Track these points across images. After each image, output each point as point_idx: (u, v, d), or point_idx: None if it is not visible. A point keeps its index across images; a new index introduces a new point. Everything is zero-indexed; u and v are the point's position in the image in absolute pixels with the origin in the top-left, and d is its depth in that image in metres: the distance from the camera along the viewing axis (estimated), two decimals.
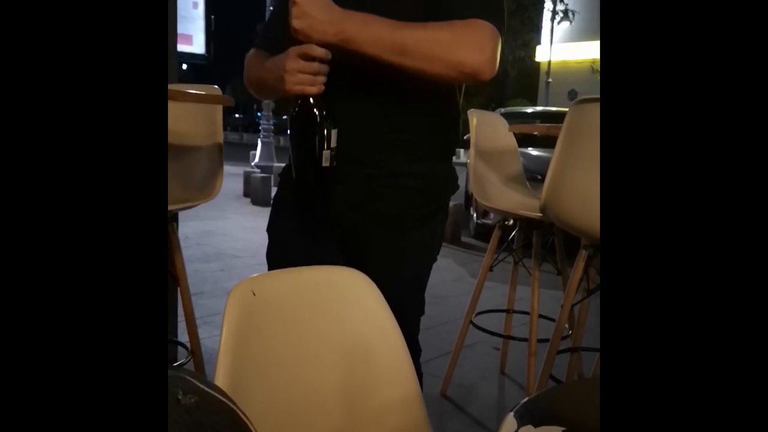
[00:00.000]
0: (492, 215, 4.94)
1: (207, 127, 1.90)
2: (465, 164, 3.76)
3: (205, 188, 1.85)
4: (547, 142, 4.23)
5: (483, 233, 5.16)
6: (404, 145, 1.11)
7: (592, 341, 2.25)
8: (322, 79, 0.98)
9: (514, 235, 2.23)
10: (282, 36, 1.04)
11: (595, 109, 1.50)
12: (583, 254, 1.71)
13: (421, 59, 0.96)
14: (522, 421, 0.57)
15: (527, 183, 2.32)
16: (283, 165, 1.26)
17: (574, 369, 2.12)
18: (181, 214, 2.29)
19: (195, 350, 1.89)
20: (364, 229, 1.14)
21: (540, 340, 2.01)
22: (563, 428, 0.56)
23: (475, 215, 5.50)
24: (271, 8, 1.28)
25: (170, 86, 1.75)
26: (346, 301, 0.90)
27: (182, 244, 1.90)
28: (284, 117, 1.22)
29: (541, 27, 20.38)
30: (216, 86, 1.92)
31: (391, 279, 0.99)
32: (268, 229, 1.22)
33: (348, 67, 0.99)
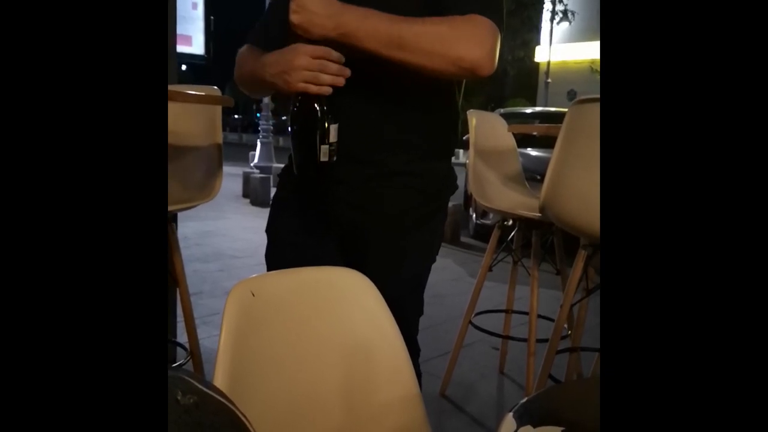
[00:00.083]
0: (491, 215, 4.94)
1: (206, 127, 1.90)
2: (464, 164, 3.77)
3: (204, 189, 1.85)
4: (546, 142, 4.23)
5: (482, 233, 5.16)
6: (404, 144, 1.11)
7: (592, 341, 2.26)
8: (322, 77, 0.98)
9: (513, 235, 2.23)
10: (280, 32, 1.04)
11: (594, 110, 1.50)
12: (582, 254, 1.71)
13: (421, 54, 0.96)
14: (521, 421, 0.57)
15: (526, 183, 2.32)
16: (282, 165, 1.26)
17: (573, 369, 2.12)
18: (181, 215, 2.29)
19: (194, 350, 1.89)
20: (364, 229, 1.14)
21: (539, 340, 2.01)
22: (562, 428, 0.56)
23: (474, 215, 5.50)
24: (268, 4, 1.26)
25: (170, 87, 1.75)
26: (346, 301, 0.90)
27: (181, 244, 1.90)
28: (283, 117, 1.21)
29: (541, 27, 20.38)
30: (215, 87, 1.92)
31: (391, 279, 0.99)
32: (267, 230, 1.22)
33: (347, 66, 0.99)
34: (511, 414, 0.58)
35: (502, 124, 2.31)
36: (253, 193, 7.11)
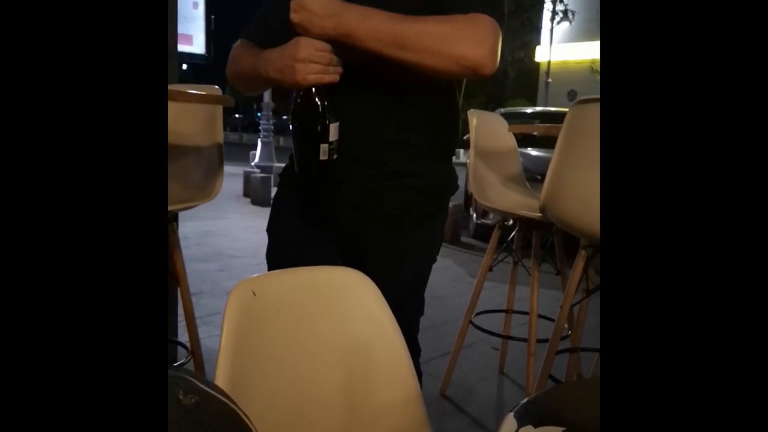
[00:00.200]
0: (491, 215, 4.94)
1: (207, 127, 1.90)
2: (464, 164, 3.77)
3: (205, 188, 1.85)
4: (546, 142, 4.23)
5: (482, 233, 5.16)
6: (405, 144, 1.11)
7: (592, 341, 2.26)
8: (334, 69, 0.98)
9: (513, 236, 2.23)
10: (280, 28, 1.03)
11: (594, 110, 1.50)
12: (582, 254, 1.71)
13: (422, 53, 0.95)
14: (522, 421, 0.57)
15: (527, 183, 2.32)
16: (283, 165, 1.26)
17: (573, 369, 2.12)
18: (181, 214, 2.29)
19: (195, 350, 1.89)
20: (365, 228, 1.14)
21: (539, 340, 2.01)
22: (563, 428, 0.56)
23: (474, 215, 5.50)
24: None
25: (170, 86, 1.75)
26: (346, 301, 0.90)
27: (182, 243, 1.90)
28: (284, 117, 1.21)
29: (541, 27, 20.39)
30: (216, 86, 1.92)
31: (391, 279, 0.99)
32: (268, 229, 1.22)
33: (348, 65, 0.99)
34: (512, 414, 0.59)
35: (503, 124, 2.31)
36: (253, 192, 7.11)
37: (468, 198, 5.89)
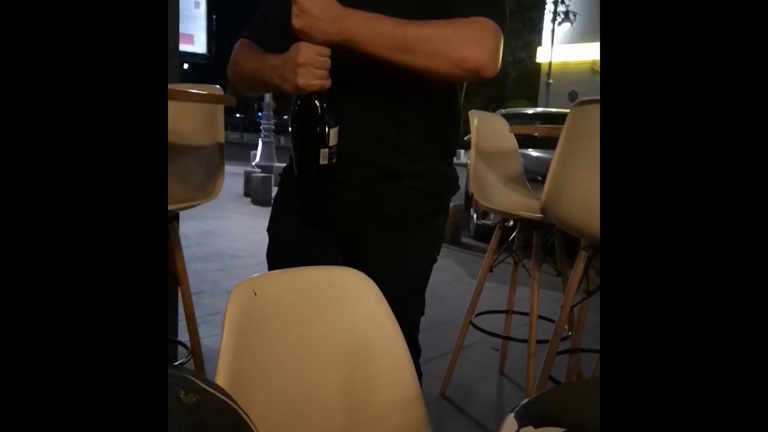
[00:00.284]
0: (492, 216, 4.94)
1: (208, 126, 1.90)
2: (465, 165, 3.77)
3: (205, 188, 1.85)
4: (547, 143, 4.23)
5: (483, 234, 5.16)
6: (405, 145, 1.11)
7: (592, 342, 2.26)
8: (327, 74, 0.99)
9: (514, 236, 2.23)
10: (280, 27, 1.03)
11: (595, 111, 1.50)
12: (582, 255, 1.71)
13: (424, 56, 0.95)
14: (522, 422, 0.57)
15: (527, 184, 2.32)
16: (284, 165, 1.26)
17: (574, 370, 2.12)
18: (182, 214, 2.29)
19: (195, 349, 1.89)
20: (365, 229, 1.14)
21: (539, 341, 2.02)
22: (563, 429, 0.57)
23: (475, 216, 5.50)
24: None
25: (172, 86, 1.75)
26: (347, 300, 0.90)
27: (183, 243, 1.90)
28: (285, 117, 1.21)
29: (542, 28, 20.40)
30: (217, 86, 1.92)
31: (391, 279, 0.99)
32: (269, 229, 1.22)
33: (349, 66, 0.99)
34: (512, 415, 0.59)
35: (504, 124, 2.31)
36: (254, 192, 7.12)
37: (468, 198, 5.89)
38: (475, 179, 2.09)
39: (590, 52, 18.67)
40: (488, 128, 2.21)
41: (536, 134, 2.72)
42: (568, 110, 1.66)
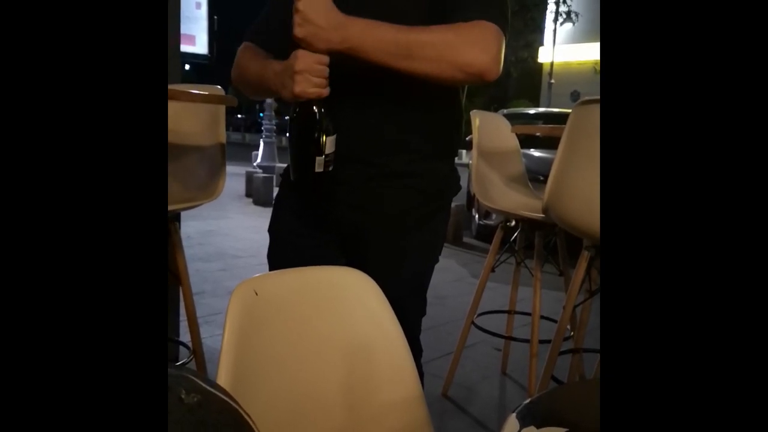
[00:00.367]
0: (494, 216, 4.94)
1: (210, 127, 1.90)
2: (467, 165, 3.77)
3: (207, 188, 1.85)
4: (549, 143, 4.23)
5: (485, 234, 5.17)
6: (405, 145, 1.11)
7: (594, 342, 2.25)
8: (325, 82, 0.99)
9: (516, 236, 2.23)
10: (279, 29, 1.03)
11: (597, 111, 1.50)
12: (585, 255, 1.71)
13: (428, 62, 0.95)
14: (524, 422, 0.57)
15: (529, 184, 2.32)
16: (285, 165, 1.26)
17: (576, 370, 2.12)
18: (184, 214, 2.29)
19: (197, 349, 1.89)
20: (364, 229, 1.13)
21: (542, 341, 2.01)
22: (566, 429, 0.56)
23: (477, 216, 5.50)
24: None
25: (173, 86, 1.75)
26: (348, 300, 0.90)
27: (184, 243, 1.91)
28: (286, 117, 1.21)
29: (544, 28, 20.39)
30: (219, 86, 1.93)
31: (391, 279, 0.99)
32: (270, 229, 1.23)
33: (349, 67, 0.99)
34: (514, 415, 0.58)
35: (506, 124, 2.30)
36: (255, 192, 7.12)
37: (470, 198, 5.89)
38: (477, 179, 2.09)
39: (592, 52, 18.67)
40: (490, 128, 2.21)
41: (538, 134, 2.72)
42: (570, 110, 1.66)
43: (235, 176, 7.80)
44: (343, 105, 1.02)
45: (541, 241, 2.05)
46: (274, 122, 9.59)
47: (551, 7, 19.20)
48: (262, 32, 1.18)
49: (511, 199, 2.14)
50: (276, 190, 1.30)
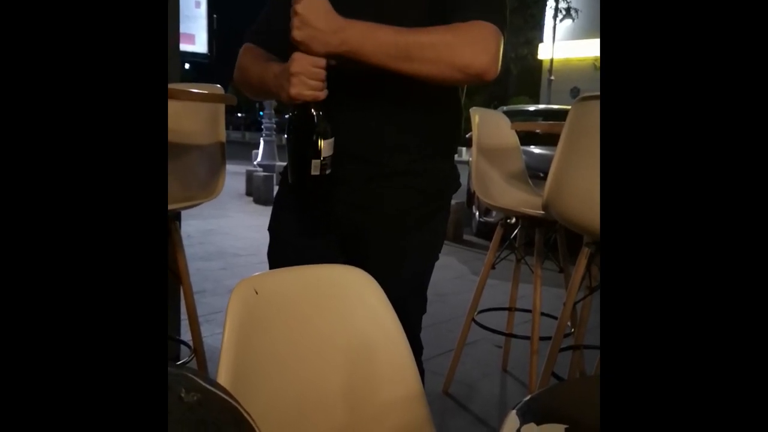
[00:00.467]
0: (494, 213, 4.94)
1: (209, 125, 1.90)
2: (467, 162, 3.77)
3: (207, 187, 1.85)
4: (549, 139, 4.22)
5: (485, 231, 5.17)
6: (406, 146, 1.11)
7: (594, 339, 2.26)
8: (322, 85, 0.98)
9: (516, 233, 2.23)
10: (282, 33, 1.03)
11: (597, 107, 1.50)
12: (585, 252, 1.71)
13: (427, 64, 0.95)
14: (524, 418, 0.57)
15: (529, 181, 2.32)
16: (285, 164, 1.26)
17: (576, 367, 2.12)
18: (184, 213, 2.29)
19: (197, 348, 1.89)
20: (364, 229, 1.13)
21: (542, 338, 2.02)
22: (566, 426, 0.56)
23: (477, 213, 5.50)
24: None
25: (173, 85, 1.75)
26: (348, 299, 0.90)
27: (184, 242, 1.91)
28: (286, 116, 1.20)
29: (544, 25, 20.38)
30: (218, 85, 1.92)
31: (391, 279, 0.99)
32: (270, 228, 1.22)
33: (349, 69, 0.98)
34: (514, 411, 0.58)
35: (505, 121, 2.30)
36: (256, 191, 7.12)
37: (470, 196, 5.89)
38: (476, 177, 2.09)
39: (592, 48, 18.66)
40: (490, 125, 2.21)
41: (538, 131, 2.73)
42: (569, 107, 1.65)
43: (235, 175, 7.81)
44: (343, 106, 1.02)
45: (542, 238, 2.05)
46: (274, 121, 9.59)
47: (551, 3, 19.18)
48: (263, 32, 1.18)
49: (511, 196, 2.14)
50: (276, 189, 1.30)
